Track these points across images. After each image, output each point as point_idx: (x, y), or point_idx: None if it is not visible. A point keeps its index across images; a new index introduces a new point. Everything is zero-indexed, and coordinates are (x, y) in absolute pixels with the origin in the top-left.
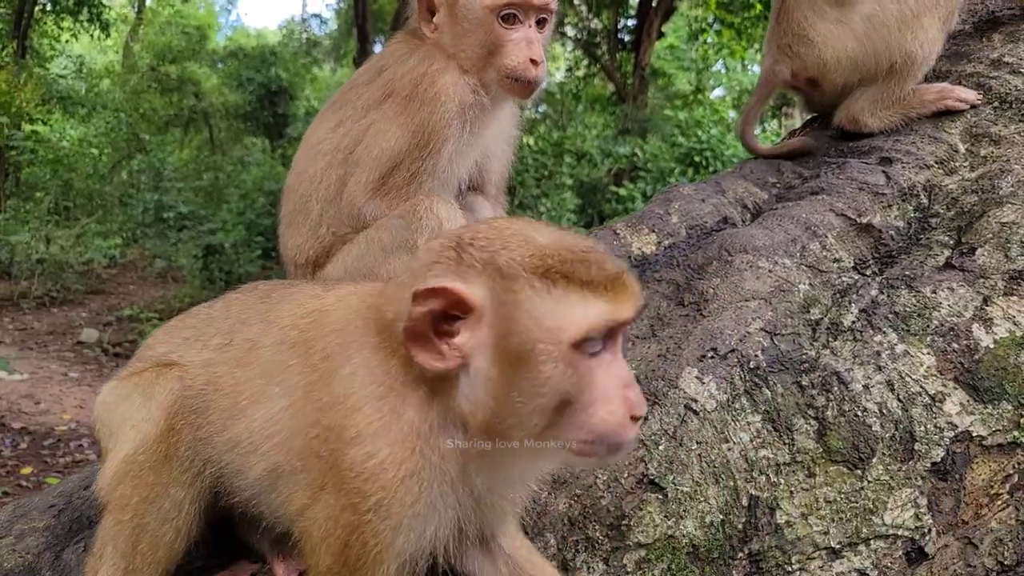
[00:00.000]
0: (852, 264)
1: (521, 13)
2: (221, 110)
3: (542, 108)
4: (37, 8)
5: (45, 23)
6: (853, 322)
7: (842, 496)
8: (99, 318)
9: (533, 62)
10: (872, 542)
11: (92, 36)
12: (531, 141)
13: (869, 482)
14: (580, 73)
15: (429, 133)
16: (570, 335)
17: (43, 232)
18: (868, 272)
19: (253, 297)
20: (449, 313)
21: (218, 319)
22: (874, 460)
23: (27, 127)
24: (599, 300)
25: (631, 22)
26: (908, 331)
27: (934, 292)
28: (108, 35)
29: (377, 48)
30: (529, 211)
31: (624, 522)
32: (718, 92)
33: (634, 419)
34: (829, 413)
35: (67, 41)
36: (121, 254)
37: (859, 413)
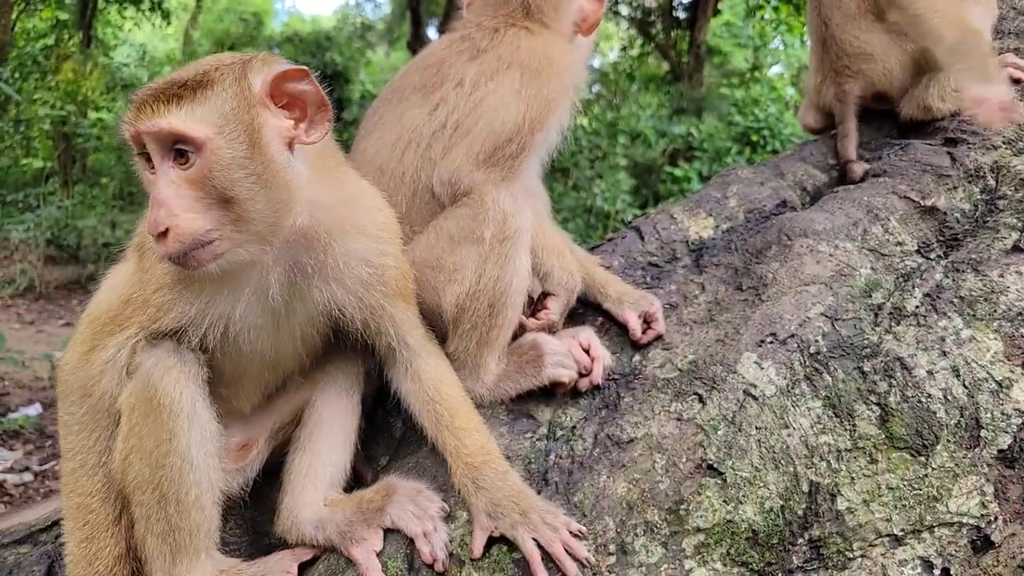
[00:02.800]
0: (916, 247)
1: None
2: None
3: (596, 88)
4: None
5: (108, 13)
6: (917, 307)
7: (905, 483)
8: None
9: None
10: (936, 529)
11: (153, 25)
12: (585, 122)
13: (933, 469)
14: (634, 52)
15: (549, 109)
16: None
17: (108, 217)
18: (932, 256)
19: None
20: None
21: None
22: (938, 447)
23: (93, 115)
24: (128, 115)
25: (686, 0)
26: (974, 316)
27: (1001, 276)
28: (169, 23)
29: (431, 31)
30: (583, 192)
31: (682, 506)
32: (776, 69)
33: (153, 237)
34: (892, 399)
35: (130, 30)
36: None
37: (923, 399)
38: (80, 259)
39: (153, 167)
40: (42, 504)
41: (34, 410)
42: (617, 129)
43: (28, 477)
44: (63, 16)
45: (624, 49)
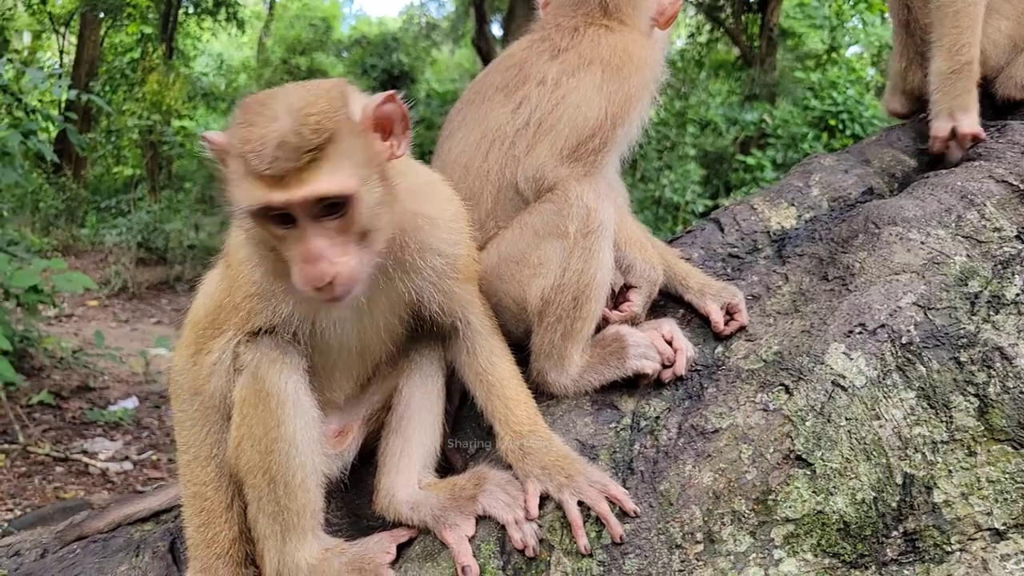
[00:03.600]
0: (1015, 233)
1: None
2: None
3: (663, 77)
4: (181, 11)
5: (188, 25)
6: (1017, 295)
7: (1007, 476)
8: None
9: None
10: None
11: (229, 34)
12: (652, 112)
13: None
14: (702, 39)
15: (631, 104)
16: (241, 206)
17: (192, 220)
18: None
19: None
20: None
21: None
22: None
23: (176, 123)
24: (258, 187)
25: None
26: None
27: None
28: (243, 32)
29: (495, 28)
30: (651, 183)
31: (771, 497)
32: (855, 49)
33: (316, 288)
34: (991, 390)
35: (207, 40)
36: None
37: None
38: (168, 260)
39: (289, 225)
40: (163, 491)
41: (131, 403)
42: (686, 118)
43: (128, 466)
44: (147, 30)
45: (692, 36)
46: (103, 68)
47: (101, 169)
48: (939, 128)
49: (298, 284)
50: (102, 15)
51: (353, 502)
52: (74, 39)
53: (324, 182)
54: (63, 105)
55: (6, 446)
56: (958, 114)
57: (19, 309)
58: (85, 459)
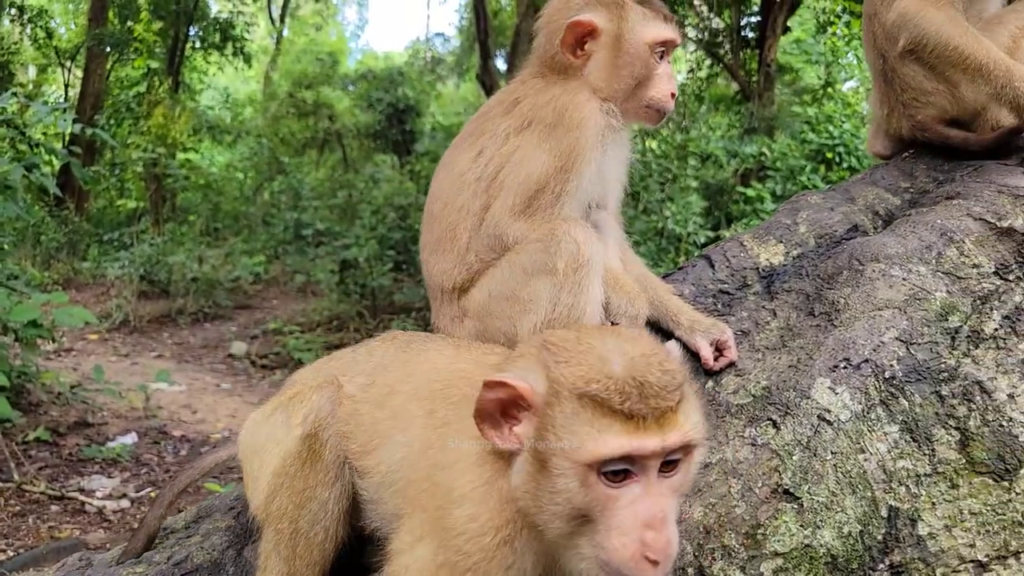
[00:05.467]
0: (993, 269)
1: (669, 49)
2: (353, 130)
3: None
4: (188, 45)
5: (195, 59)
6: (996, 329)
7: (988, 508)
8: (247, 331)
9: (672, 95)
10: (1023, 555)
11: (236, 68)
12: (654, 145)
13: (1017, 494)
14: (702, 74)
15: (574, 157)
16: (582, 456)
17: (196, 252)
18: (1011, 277)
19: (394, 346)
20: (518, 402)
21: (361, 361)
22: (1022, 471)
23: (181, 156)
24: (622, 430)
25: (754, 19)
26: None
27: None
28: (250, 66)
29: (499, 63)
30: (654, 215)
31: (760, 531)
32: (850, 84)
33: (651, 561)
34: (972, 423)
35: (214, 74)
36: (264, 270)
37: (1004, 423)
38: (170, 293)
39: (622, 482)
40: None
41: (130, 439)
42: (687, 151)
43: (125, 503)
44: (154, 64)
45: (692, 71)
46: (109, 101)
47: (104, 202)
48: None
49: (624, 557)
50: (108, 49)
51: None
52: (80, 73)
53: (690, 426)
54: (67, 139)
55: (0, 484)
56: None
57: (17, 344)
58: (81, 497)
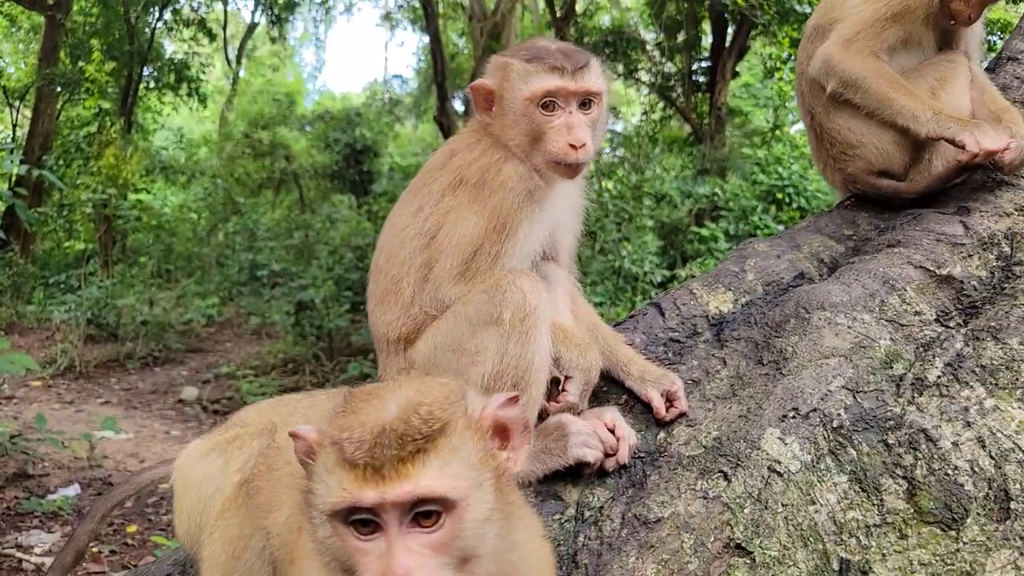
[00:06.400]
0: (934, 317)
1: (561, 100)
2: (310, 170)
3: (620, 152)
4: (142, 86)
5: (148, 99)
6: (939, 377)
7: (937, 558)
8: (198, 376)
9: (572, 147)
10: None
11: (191, 108)
12: (610, 185)
13: (965, 543)
14: (656, 116)
15: (504, 217)
16: (320, 506)
17: (147, 295)
18: (952, 324)
19: (339, 399)
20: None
21: (302, 410)
22: (968, 520)
23: (132, 196)
24: (346, 479)
25: (705, 64)
26: (997, 385)
27: (1021, 343)
28: (205, 106)
29: (456, 104)
30: (611, 255)
31: None
32: (798, 127)
33: None
34: (918, 472)
35: (168, 114)
36: (218, 313)
37: (950, 472)
38: (119, 337)
39: (373, 534)
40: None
41: (72, 491)
42: (642, 192)
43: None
44: (105, 104)
45: (645, 114)
46: (58, 142)
47: (51, 243)
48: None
49: None
50: (59, 89)
51: None
52: (29, 113)
53: (428, 478)
54: (13, 180)
55: None
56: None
57: None
58: (18, 554)
